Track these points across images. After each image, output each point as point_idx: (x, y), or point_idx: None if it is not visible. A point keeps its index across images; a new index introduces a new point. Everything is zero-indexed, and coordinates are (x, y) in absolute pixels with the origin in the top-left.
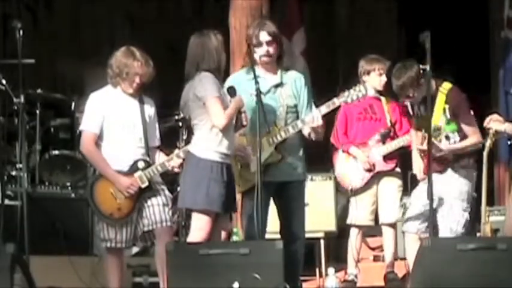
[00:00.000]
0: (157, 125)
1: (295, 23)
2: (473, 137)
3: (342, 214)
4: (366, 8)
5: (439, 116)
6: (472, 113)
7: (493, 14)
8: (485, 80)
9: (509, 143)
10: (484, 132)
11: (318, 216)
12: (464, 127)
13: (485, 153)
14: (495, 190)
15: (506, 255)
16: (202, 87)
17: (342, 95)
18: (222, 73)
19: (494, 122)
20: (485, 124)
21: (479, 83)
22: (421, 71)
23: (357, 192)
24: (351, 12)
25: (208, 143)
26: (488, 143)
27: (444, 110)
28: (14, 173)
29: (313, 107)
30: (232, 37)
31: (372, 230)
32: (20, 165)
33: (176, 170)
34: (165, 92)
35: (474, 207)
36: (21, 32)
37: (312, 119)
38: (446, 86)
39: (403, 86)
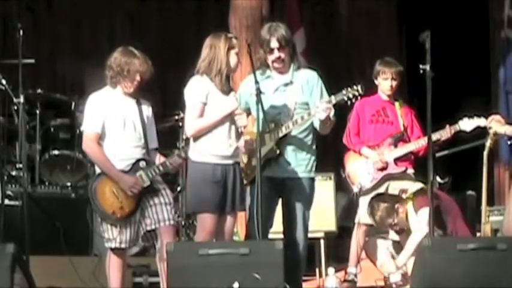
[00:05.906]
0: (154, 127)
1: (295, 23)
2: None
3: (342, 214)
4: (366, 8)
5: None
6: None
7: (493, 14)
8: (485, 80)
9: (509, 143)
10: (485, 131)
11: (318, 216)
12: None
13: (485, 153)
14: (495, 190)
15: (506, 255)
16: (186, 91)
17: (339, 93)
18: (223, 76)
19: (495, 123)
20: (486, 123)
21: (479, 83)
22: (396, 198)
23: (365, 192)
24: (351, 12)
25: (200, 146)
26: (488, 143)
27: None
28: (14, 173)
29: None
30: None
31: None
32: (20, 165)
33: (176, 170)
34: (165, 92)
35: (474, 207)
36: (21, 32)
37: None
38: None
39: (381, 219)
